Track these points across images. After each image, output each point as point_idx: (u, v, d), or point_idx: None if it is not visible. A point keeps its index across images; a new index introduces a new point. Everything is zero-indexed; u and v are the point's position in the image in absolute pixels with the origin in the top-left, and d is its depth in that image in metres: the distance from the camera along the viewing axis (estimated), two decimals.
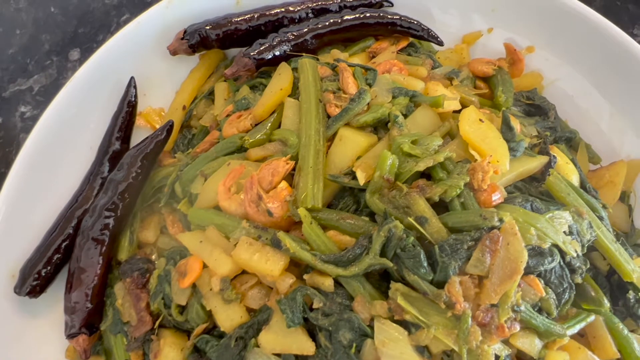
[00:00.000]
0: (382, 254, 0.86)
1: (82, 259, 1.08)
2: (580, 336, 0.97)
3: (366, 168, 0.93)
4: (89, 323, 1.08)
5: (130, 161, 1.13)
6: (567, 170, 1.08)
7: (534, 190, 1.04)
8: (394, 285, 0.85)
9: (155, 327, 0.98)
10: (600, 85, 1.25)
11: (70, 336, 1.07)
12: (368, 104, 1.03)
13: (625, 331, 0.94)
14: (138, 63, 1.24)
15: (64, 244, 1.12)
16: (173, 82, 1.30)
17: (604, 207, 1.06)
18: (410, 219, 0.88)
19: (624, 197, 1.21)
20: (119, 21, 1.58)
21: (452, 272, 0.84)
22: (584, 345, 0.95)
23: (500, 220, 0.87)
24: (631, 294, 1.00)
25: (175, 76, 1.30)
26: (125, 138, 1.22)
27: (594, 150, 1.24)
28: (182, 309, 0.95)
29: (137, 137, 1.23)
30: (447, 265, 0.84)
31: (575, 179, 1.08)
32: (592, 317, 0.93)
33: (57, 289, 1.10)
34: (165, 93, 1.29)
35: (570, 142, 1.22)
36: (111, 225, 1.09)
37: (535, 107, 1.23)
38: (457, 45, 1.33)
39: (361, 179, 0.92)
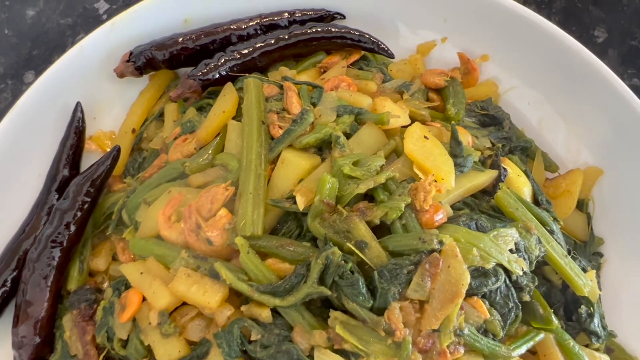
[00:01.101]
0: (321, 281, 0.84)
1: (29, 291, 1.06)
2: (533, 354, 0.96)
3: (306, 192, 0.92)
4: (38, 357, 1.05)
5: (76, 189, 1.11)
6: (518, 183, 1.06)
7: (485, 204, 1.03)
8: (333, 314, 0.83)
9: None
10: (555, 93, 1.24)
11: None
12: (312, 123, 1.02)
13: (577, 348, 0.93)
14: (85, 87, 1.22)
15: (11, 276, 1.09)
16: (123, 104, 1.27)
17: (555, 220, 1.04)
18: (350, 245, 0.86)
19: (582, 206, 1.20)
20: (74, 41, 1.55)
21: (391, 298, 0.82)
22: None
23: (441, 242, 0.85)
24: (583, 309, 0.98)
25: (126, 98, 1.27)
26: (74, 164, 1.20)
27: (551, 158, 1.22)
28: (125, 342, 0.94)
29: (88, 162, 1.21)
30: (387, 291, 0.82)
31: (527, 192, 1.07)
32: (541, 336, 0.92)
33: (6, 323, 1.08)
34: (115, 115, 1.27)
35: (526, 152, 1.20)
36: (58, 256, 1.07)
37: (490, 117, 1.21)
38: (412, 56, 1.31)
39: (301, 204, 0.90)
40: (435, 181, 0.93)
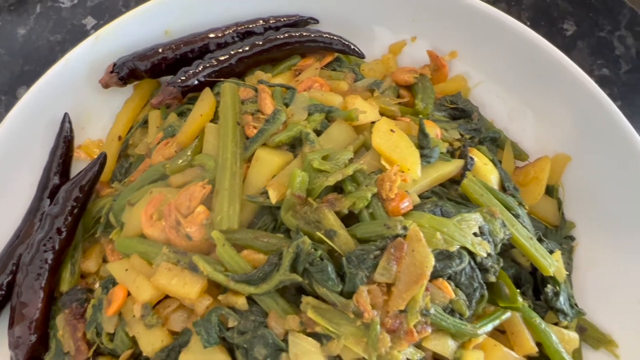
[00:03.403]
0: (293, 269, 0.89)
1: (23, 293, 1.11)
2: (502, 333, 1.00)
3: (278, 187, 0.97)
4: (33, 356, 1.11)
5: (65, 195, 1.16)
6: (485, 171, 1.11)
7: (454, 193, 1.08)
8: (305, 299, 0.88)
9: (89, 355, 1.01)
10: (522, 86, 1.28)
11: None
12: (285, 122, 1.07)
13: (543, 325, 0.97)
14: (72, 98, 1.28)
15: (6, 280, 1.15)
16: (110, 114, 1.33)
17: (521, 204, 1.08)
18: (320, 234, 0.91)
19: (552, 192, 1.24)
20: (64, 56, 1.62)
21: (359, 282, 0.87)
22: (505, 343, 0.97)
23: (405, 228, 0.90)
24: (549, 288, 1.02)
25: (112, 107, 1.33)
26: (64, 172, 1.26)
27: (521, 147, 1.27)
28: (112, 336, 0.98)
29: (77, 170, 1.26)
30: (355, 276, 0.87)
31: (494, 179, 1.11)
32: (507, 314, 0.96)
33: (2, 325, 1.14)
34: (103, 125, 1.33)
35: (496, 142, 1.25)
36: (49, 259, 1.12)
37: (459, 111, 1.26)
38: (384, 55, 1.37)
39: (273, 197, 0.95)
40: (402, 172, 0.98)
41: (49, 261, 1.12)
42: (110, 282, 1.05)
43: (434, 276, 0.90)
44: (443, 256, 0.92)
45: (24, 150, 1.24)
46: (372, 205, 0.94)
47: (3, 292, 1.15)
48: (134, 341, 0.94)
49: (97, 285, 1.14)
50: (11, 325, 1.11)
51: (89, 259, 1.18)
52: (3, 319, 1.14)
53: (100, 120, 1.33)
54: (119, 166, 1.28)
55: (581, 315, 1.08)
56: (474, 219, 0.96)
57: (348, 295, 0.87)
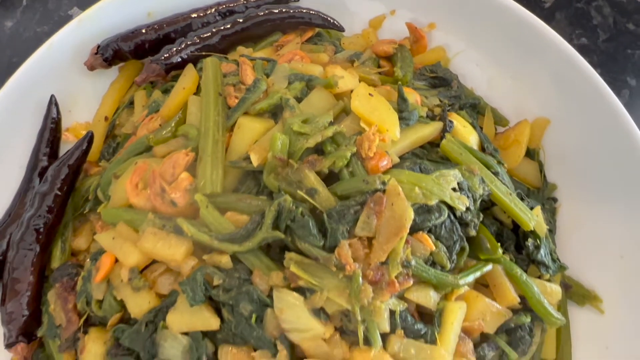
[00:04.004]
0: (275, 227, 0.90)
1: (15, 270, 1.12)
2: (485, 287, 1.02)
3: (260, 151, 0.99)
4: (26, 331, 1.12)
5: (54, 174, 1.18)
6: (464, 133, 1.13)
7: (434, 155, 1.10)
8: (288, 255, 0.89)
9: (80, 324, 1.02)
10: (501, 54, 1.32)
11: (8, 346, 1.11)
12: (266, 91, 1.09)
13: (524, 277, 0.99)
14: (58, 82, 1.30)
15: None
16: (96, 96, 1.35)
17: (500, 163, 1.10)
18: (301, 192, 0.92)
19: (533, 155, 1.26)
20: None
21: (340, 237, 0.89)
22: (488, 296, 0.99)
23: (383, 183, 0.91)
24: (530, 241, 1.04)
25: (98, 90, 1.35)
26: (53, 154, 1.28)
27: (501, 113, 1.29)
28: (101, 303, 1.00)
29: None
30: (336, 230, 0.89)
31: (473, 140, 1.13)
32: (488, 267, 0.97)
33: None
34: (90, 107, 1.35)
35: (476, 108, 1.27)
36: (40, 236, 1.13)
37: (439, 79, 1.28)
38: (364, 30, 1.39)
39: (255, 160, 0.97)
40: (380, 132, 1.00)
41: (40, 238, 1.14)
42: (99, 254, 1.06)
43: (414, 230, 0.92)
44: (422, 210, 0.93)
45: (11, 134, 1.26)
46: (351, 164, 0.96)
47: None
48: (122, 305, 0.96)
49: (87, 260, 1.16)
50: (3, 301, 1.13)
51: (80, 236, 1.20)
52: None
53: (87, 102, 1.35)
54: (106, 146, 1.30)
55: (563, 270, 1.10)
56: (453, 175, 0.98)
57: (330, 250, 0.89)
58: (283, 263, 0.91)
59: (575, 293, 1.15)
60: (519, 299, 0.98)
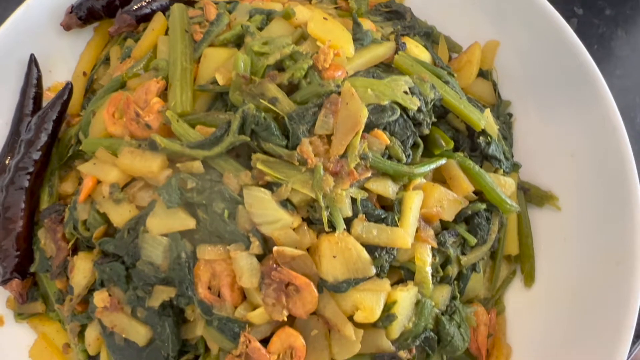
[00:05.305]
0: (241, 132, 0.98)
1: (7, 210, 1.19)
2: (442, 182, 1.09)
3: (225, 72, 1.07)
4: (20, 268, 1.19)
5: (38, 122, 1.25)
6: (417, 52, 1.21)
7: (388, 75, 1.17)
8: (254, 156, 0.97)
9: (69, 249, 1.09)
10: None
11: (3, 282, 1.18)
12: (229, 25, 1.17)
13: (477, 168, 1.06)
14: (36, 43, 1.37)
15: None
16: (75, 56, 1.42)
17: (451, 74, 1.18)
18: (264, 101, 1.00)
19: (487, 75, 1.34)
20: None
21: (302, 135, 0.97)
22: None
23: (338, 86, 0.99)
24: (481, 139, 1.12)
25: (76, 50, 1.42)
26: (36, 109, 1.35)
27: (454, 40, 1.38)
28: (88, 226, 1.07)
29: None
30: (297, 130, 0.97)
31: (425, 58, 1.21)
32: (442, 160, 1.05)
33: None
34: (69, 67, 1.42)
35: (430, 37, 1.35)
36: (27, 179, 1.20)
37: (393, 13, 1.36)
38: None
39: (220, 80, 1.05)
40: (334, 48, 1.08)
41: (27, 181, 1.21)
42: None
43: (369, 128, 1.00)
44: (376, 110, 1.01)
45: None
46: (309, 76, 1.04)
47: None
48: (105, 219, 1.03)
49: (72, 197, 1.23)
50: None
51: (66, 182, 1.27)
52: None
53: (66, 62, 1.42)
54: (86, 100, 1.38)
55: (518, 168, 1.18)
56: (404, 80, 1.06)
57: (292, 149, 0.97)
58: (250, 168, 0.99)
59: (534, 195, 1.23)
60: (472, 187, 1.05)
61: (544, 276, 1.19)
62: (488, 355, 1.11)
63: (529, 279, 1.18)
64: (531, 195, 1.23)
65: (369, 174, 0.97)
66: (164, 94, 1.10)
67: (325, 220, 0.93)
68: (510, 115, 1.32)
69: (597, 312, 1.11)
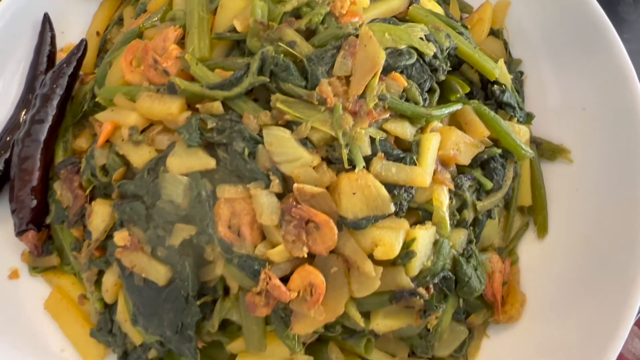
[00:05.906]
0: (260, 74, 0.99)
1: (23, 161, 1.20)
2: (459, 128, 1.10)
3: (242, 19, 1.07)
4: (36, 220, 1.19)
5: (53, 77, 1.26)
6: (430, 6, 1.22)
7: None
8: (274, 96, 0.98)
9: (86, 194, 1.10)
10: None
11: (19, 234, 1.18)
12: None
13: (492, 114, 1.08)
14: (50, 4, 1.38)
15: (2, 161, 1.24)
16: (88, 17, 1.43)
17: (464, 26, 1.20)
18: (282, 44, 1.01)
19: (498, 35, 1.36)
20: None
21: (320, 76, 0.97)
22: None
23: (356, 29, 1.00)
24: (495, 87, 1.13)
25: (89, 11, 1.43)
26: (50, 67, 1.35)
27: (465, 1, 1.39)
28: (106, 172, 1.07)
29: None
30: (316, 71, 0.98)
31: (439, 12, 1.22)
32: (458, 105, 1.06)
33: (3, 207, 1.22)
34: (82, 29, 1.43)
35: None
36: (43, 131, 1.21)
37: None
38: None
39: (238, 26, 1.06)
40: None
41: (43, 134, 1.21)
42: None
43: (387, 71, 1.01)
44: (393, 54, 1.02)
45: (8, 54, 1.34)
46: (326, 21, 1.05)
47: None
48: (124, 162, 1.03)
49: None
50: (12, 194, 1.20)
51: (80, 138, 1.28)
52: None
53: (79, 24, 1.43)
54: (99, 59, 1.38)
55: (531, 118, 1.20)
56: (420, 28, 1.07)
57: (311, 90, 0.97)
58: (270, 110, 1.00)
59: (546, 149, 1.24)
60: (488, 132, 1.06)
61: (557, 227, 1.20)
62: (503, 303, 1.12)
63: (542, 230, 1.19)
64: (543, 149, 1.24)
65: (387, 115, 0.98)
66: (181, 43, 1.11)
67: (345, 157, 0.93)
68: (522, 73, 1.33)
69: (609, 262, 1.12)
